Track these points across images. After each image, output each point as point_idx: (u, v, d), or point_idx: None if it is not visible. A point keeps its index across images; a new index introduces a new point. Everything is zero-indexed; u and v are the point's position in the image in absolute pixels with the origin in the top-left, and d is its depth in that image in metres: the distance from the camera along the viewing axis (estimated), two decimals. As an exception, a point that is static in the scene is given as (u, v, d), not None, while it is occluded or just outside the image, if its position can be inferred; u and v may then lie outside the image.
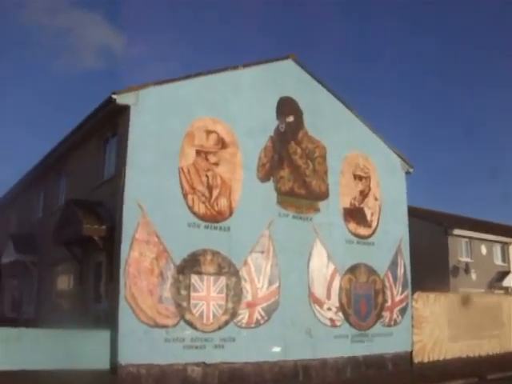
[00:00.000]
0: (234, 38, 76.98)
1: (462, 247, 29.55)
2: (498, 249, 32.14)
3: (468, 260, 29.72)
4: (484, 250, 30.70)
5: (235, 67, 16.44)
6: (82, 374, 12.71)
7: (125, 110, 14.41)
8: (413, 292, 19.35)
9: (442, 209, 33.12)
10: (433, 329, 19.50)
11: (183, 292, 14.24)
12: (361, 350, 17.39)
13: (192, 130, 15.17)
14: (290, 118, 17.24)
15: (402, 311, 18.85)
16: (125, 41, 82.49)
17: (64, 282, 17.81)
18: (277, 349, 15.62)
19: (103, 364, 13.24)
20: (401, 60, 77.46)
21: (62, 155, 18.53)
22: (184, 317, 14.11)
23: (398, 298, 18.76)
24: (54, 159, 19.02)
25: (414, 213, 27.61)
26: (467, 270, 28.73)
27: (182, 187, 14.74)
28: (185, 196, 14.74)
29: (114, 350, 13.21)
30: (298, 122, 17.40)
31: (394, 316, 18.56)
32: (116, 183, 14.46)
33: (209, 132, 15.47)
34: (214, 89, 15.84)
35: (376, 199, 18.87)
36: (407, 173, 20.12)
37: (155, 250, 14.02)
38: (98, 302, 15.13)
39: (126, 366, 13.09)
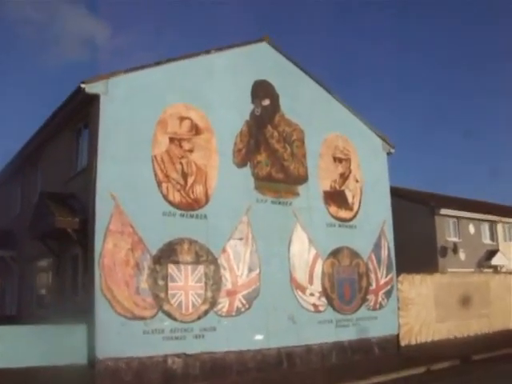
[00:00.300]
0: (223, 23, 76.12)
1: (449, 227, 29.38)
2: (486, 228, 32.00)
3: (456, 240, 29.57)
4: (472, 229, 30.56)
5: (208, 51, 16.13)
6: (60, 369, 12.58)
7: (95, 99, 14.09)
8: (398, 274, 19.18)
9: (429, 189, 32.98)
10: (419, 311, 19.40)
11: (160, 282, 14.01)
12: (346, 334, 17.25)
13: (164, 117, 14.88)
14: (266, 102, 16.95)
15: (388, 294, 18.70)
16: (109, 31, 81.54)
17: (43, 277, 17.58)
18: (259, 337, 15.43)
19: (81, 359, 13.08)
20: (385, 38, 76.59)
21: (38, 148, 18.23)
22: (162, 307, 13.89)
23: (382, 281, 18.60)
24: (30, 152, 18.73)
25: (400, 194, 27.59)
26: (455, 250, 28.59)
27: (156, 176, 14.47)
28: (159, 184, 14.47)
29: (91, 344, 13.03)
30: (275, 106, 17.12)
31: (379, 299, 18.40)
32: (88, 174, 14.20)
33: (182, 118, 15.18)
34: (187, 74, 15.55)
35: (357, 181, 18.65)
36: (389, 153, 19.94)
37: (130, 240, 13.77)
38: (75, 296, 14.90)
39: (104, 359, 12.86)
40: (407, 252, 24.26)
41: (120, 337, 13.17)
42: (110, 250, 13.49)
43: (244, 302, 15.32)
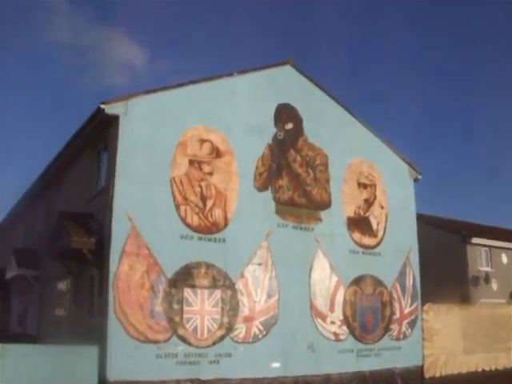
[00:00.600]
0: (250, 45, 76.51)
1: (481, 256, 28.51)
2: (519, 257, 30.96)
3: (488, 269, 28.64)
4: (505, 258, 29.56)
5: (230, 74, 16.12)
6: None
7: (114, 120, 14.16)
8: (424, 303, 18.60)
9: (461, 217, 32.20)
10: (445, 341, 18.71)
11: (175, 306, 13.86)
12: (367, 364, 16.73)
13: (185, 139, 14.86)
14: (289, 125, 16.80)
15: (412, 324, 18.13)
16: (147, 56, 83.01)
17: (62, 297, 17.59)
18: (276, 364, 15.08)
19: (92, 381, 12.94)
20: (404, 65, 75.47)
21: (60, 168, 18.44)
22: (176, 332, 13.72)
23: (407, 310, 18.06)
24: (53, 172, 18.89)
25: (430, 221, 27.04)
26: (487, 280, 27.68)
27: (174, 198, 14.40)
28: (177, 207, 14.40)
29: (102, 366, 12.90)
30: (298, 129, 16.95)
31: (403, 329, 17.85)
32: (106, 195, 14.21)
33: (202, 141, 15.13)
34: (208, 97, 15.53)
35: (382, 207, 18.25)
36: (415, 180, 19.49)
37: (146, 262, 13.68)
38: (91, 317, 14.82)
39: (114, 382, 12.70)
40: (438, 281, 23.75)
41: (132, 360, 13.02)
42: (125, 271, 13.42)
43: (261, 328, 15.02)
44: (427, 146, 74.66)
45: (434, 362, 18.21)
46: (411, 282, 18.37)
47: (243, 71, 16.39)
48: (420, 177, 19.47)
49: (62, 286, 17.45)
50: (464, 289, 25.66)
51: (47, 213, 20.28)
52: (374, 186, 18.24)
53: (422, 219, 25.56)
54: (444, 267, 25.27)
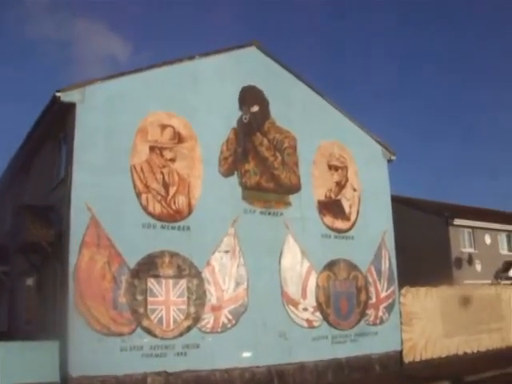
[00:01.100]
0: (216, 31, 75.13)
1: (464, 237, 28.17)
2: (503, 238, 30.57)
3: (471, 251, 28.31)
4: (488, 239, 29.24)
5: (192, 57, 15.71)
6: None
7: (71, 107, 13.71)
8: (402, 287, 18.28)
9: (443, 199, 31.82)
10: (424, 325, 18.42)
11: (139, 297, 13.49)
12: (343, 351, 16.42)
13: (145, 125, 14.45)
14: (255, 108, 16.40)
15: (389, 308, 17.85)
16: (129, 48, 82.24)
17: (29, 292, 17.14)
18: (247, 354, 14.75)
19: (54, 377, 12.59)
20: (385, 42, 74.16)
21: (26, 160, 17.96)
22: (141, 323, 13.35)
23: (383, 294, 17.76)
24: (19, 164, 18.44)
25: (411, 203, 26.74)
26: (471, 262, 27.34)
27: (135, 186, 14.00)
28: (138, 195, 13.99)
29: (63, 362, 12.53)
30: (264, 112, 16.55)
31: (380, 313, 17.55)
32: (65, 185, 13.78)
33: (163, 126, 14.73)
34: (169, 81, 15.10)
35: (355, 190, 17.91)
36: (389, 161, 19.16)
37: (107, 253, 13.29)
38: (54, 311, 14.39)
39: (77, 377, 12.33)
40: (421, 264, 23.47)
41: (95, 354, 12.66)
42: (85, 263, 13.02)
43: (230, 317, 14.67)
44: (405, 125, 73.91)
45: (413, 346, 17.90)
46: (387, 266, 18.06)
47: (205, 54, 15.94)
48: (394, 158, 19.12)
49: (29, 281, 17.00)
50: (447, 271, 25.32)
51: (15, 206, 19.80)
52: (345, 168, 17.87)
53: (402, 201, 25.49)
54: (426, 249, 24.95)
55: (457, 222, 26.88)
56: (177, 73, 15.28)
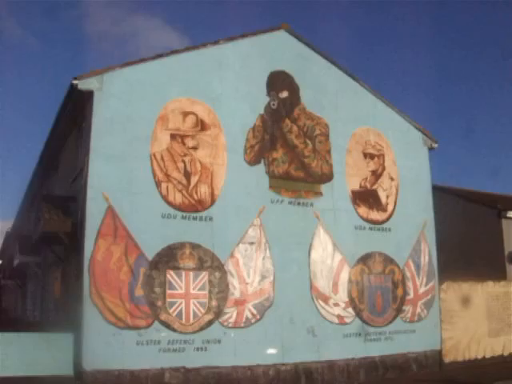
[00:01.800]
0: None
1: (518, 231, 26.21)
2: (561, 232, 28.29)
3: (527, 245, 26.28)
4: (545, 233, 27.14)
5: (216, 42, 14.88)
6: (45, 380, 11.76)
7: (89, 96, 13.19)
8: (441, 282, 16.93)
9: (495, 190, 29.69)
10: (467, 323, 16.97)
11: (157, 290, 12.87)
12: (377, 349, 15.32)
13: (165, 112, 13.78)
14: (284, 94, 15.45)
15: (428, 304, 16.57)
16: (186, 41, 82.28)
17: (55, 283, 16.91)
18: (272, 351, 13.90)
19: (67, 370, 12.20)
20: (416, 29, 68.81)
21: (54, 152, 17.72)
22: (159, 317, 12.74)
23: (422, 290, 16.49)
24: (48, 156, 18.22)
25: (461, 195, 24.99)
26: (526, 257, 25.41)
27: (155, 175, 13.37)
28: (158, 184, 13.34)
29: (77, 355, 12.09)
30: (294, 98, 15.59)
31: (418, 310, 16.31)
32: (82, 175, 13.31)
33: (186, 114, 14.01)
34: (192, 67, 14.40)
35: (392, 179, 16.68)
36: (430, 149, 17.80)
37: (124, 244, 12.73)
38: (72, 303, 13.98)
39: (91, 371, 11.84)
40: (471, 259, 21.88)
41: (110, 347, 12.14)
42: (101, 254, 12.50)
43: (255, 312, 13.85)
44: (450, 113, 69.54)
45: (454, 345, 16.53)
46: (426, 260, 16.77)
47: (231, 38, 15.10)
48: (435, 145, 17.76)
49: (56, 272, 16.74)
50: (500, 266, 23.49)
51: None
52: (382, 156, 16.67)
53: (450, 192, 23.91)
54: (477, 243, 23.23)
55: (510, 214, 24.99)
56: (200, 58, 14.53)
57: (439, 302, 16.70)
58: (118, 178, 12.96)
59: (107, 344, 12.11)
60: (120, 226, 12.75)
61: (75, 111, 14.43)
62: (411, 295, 16.24)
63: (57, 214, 13.34)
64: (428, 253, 16.84)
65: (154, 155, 13.43)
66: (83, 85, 13.05)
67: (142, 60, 13.94)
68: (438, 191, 19.08)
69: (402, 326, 15.90)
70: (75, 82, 12.96)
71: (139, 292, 12.67)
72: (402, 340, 15.74)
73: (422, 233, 16.84)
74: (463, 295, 17.10)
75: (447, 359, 16.29)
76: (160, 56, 14.13)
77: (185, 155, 13.80)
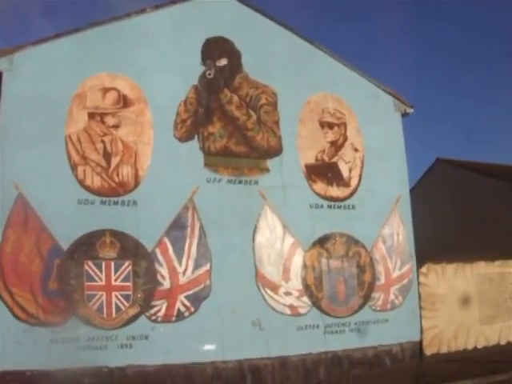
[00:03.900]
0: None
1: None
2: None
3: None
4: None
5: (142, 11, 14.71)
6: None
7: (-1, 77, 13.41)
8: (420, 265, 16.15)
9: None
10: (453, 310, 16.13)
11: (74, 282, 12.80)
12: (340, 343, 14.75)
13: (83, 90, 13.75)
14: (223, 62, 15.17)
15: (404, 290, 15.88)
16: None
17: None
18: (210, 346, 13.62)
19: (-25, 371, 12.32)
20: None
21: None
22: (76, 312, 12.68)
23: (395, 274, 15.82)
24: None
25: (475, 168, 23.92)
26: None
27: (70, 158, 13.35)
28: (73, 168, 13.34)
29: (-16, 354, 12.24)
30: (234, 65, 15.27)
31: (391, 297, 15.66)
32: (-6, 164, 13.49)
33: (106, 90, 13.96)
34: (113, 41, 14.27)
35: (356, 150, 16.10)
36: (404, 114, 17.09)
37: (35, 234, 12.75)
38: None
39: (1, 372, 11.87)
40: (488, 236, 20.95)
41: (21, 346, 12.14)
42: (11, 246, 12.55)
43: (188, 304, 13.61)
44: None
45: (437, 335, 15.75)
46: (401, 239, 16.07)
47: (159, 5, 14.94)
48: (410, 110, 17.03)
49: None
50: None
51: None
52: (343, 124, 16.11)
53: (463, 166, 22.96)
54: (496, 220, 22.08)
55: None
56: (124, 30, 14.38)
57: (418, 287, 15.95)
58: (30, 164, 12.95)
59: (17, 342, 12.12)
60: (31, 215, 12.79)
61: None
62: (382, 280, 15.61)
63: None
64: (403, 231, 16.14)
65: (70, 137, 13.43)
66: (-9, 65, 13.25)
67: (57, 36, 13.91)
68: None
69: (372, 316, 15.28)
70: (-21, 63, 13.17)
71: (53, 285, 12.64)
72: (372, 331, 15.13)
73: (394, 209, 16.16)
74: (447, 279, 16.24)
75: (429, 351, 15.55)
76: (77, 30, 14.07)
77: (104, 135, 13.75)
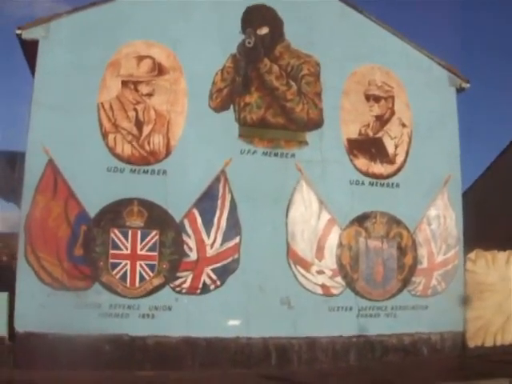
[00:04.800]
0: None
1: None
2: None
3: None
4: None
5: (180, -22, 14.79)
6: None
7: (35, 45, 13.82)
8: (468, 250, 15.41)
9: None
10: (503, 300, 15.28)
11: (99, 249, 13.23)
12: (374, 327, 14.40)
13: (118, 57, 14.06)
14: (264, 30, 14.99)
15: (448, 276, 15.24)
16: None
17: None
18: (235, 322, 13.65)
19: (1, 330, 12.84)
20: None
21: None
22: (99, 278, 13.10)
23: (439, 259, 15.21)
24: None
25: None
26: None
27: (102, 126, 13.72)
28: (104, 136, 13.70)
29: (11, 316, 12.76)
30: (276, 34, 15.06)
31: (433, 282, 15.09)
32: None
33: (141, 58, 14.19)
34: (151, 8, 14.42)
35: (404, 125, 15.52)
36: (460, 89, 16.29)
37: (63, 200, 13.25)
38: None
39: (24, 333, 12.51)
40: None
41: (45, 309, 12.71)
42: (39, 211, 13.13)
43: (214, 277, 13.70)
44: None
45: (483, 327, 15.04)
46: (449, 222, 15.42)
47: (201, -28, 14.95)
48: (467, 85, 16.19)
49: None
50: None
51: None
52: (390, 98, 15.56)
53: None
54: None
55: None
56: (160, -2, 14.58)
57: (464, 274, 15.25)
58: (61, 130, 13.46)
59: (42, 306, 12.68)
60: (61, 181, 13.26)
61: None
62: (424, 264, 15.06)
63: (3, 170, 14.21)
64: (450, 214, 15.47)
65: (102, 104, 13.77)
66: (28, 34, 13.66)
67: (93, 4, 14.26)
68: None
69: (410, 301, 14.80)
70: (19, 31, 13.62)
71: (79, 251, 13.11)
72: (410, 317, 14.68)
73: (442, 190, 15.49)
74: (498, 267, 15.42)
75: (472, 343, 14.89)
76: (113, -1, 14.40)
77: (137, 103, 13.98)
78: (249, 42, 14.80)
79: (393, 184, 15.19)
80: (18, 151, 15.37)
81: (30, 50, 14.04)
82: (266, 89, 14.76)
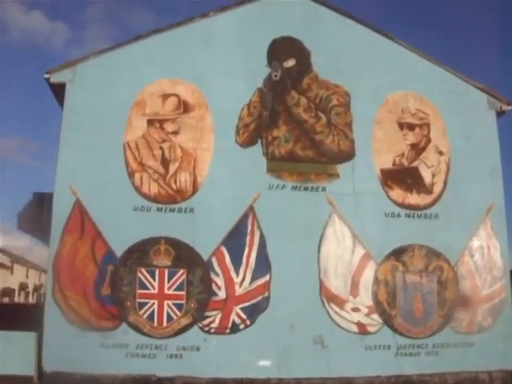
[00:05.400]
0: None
1: None
2: None
3: None
4: None
5: (205, 15, 15.11)
6: (5, 379, 12.84)
7: (62, 88, 14.39)
8: (516, 282, 14.75)
9: None
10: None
11: (126, 289, 13.38)
12: (414, 366, 13.83)
13: (143, 97, 14.44)
14: (290, 63, 15.06)
15: (494, 311, 14.53)
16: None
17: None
18: (265, 363, 13.40)
19: (30, 370, 13.10)
20: None
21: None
22: (127, 319, 13.21)
23: (485, 292, 14.54)
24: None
25: None
26: None
27: (128, 165, 14.03)
28: (131, 175, 13.98)
29: (40, 355, 13.04)
30: (303, 66, 15.11)
31: (479, 318, 14.40)
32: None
33: (166, 96, 14.52)
34: (175, 46, 14.85)
35: (441, 153, 15.09)
36: (500, 113, 15.81)
37: (91, 240, 13.53)
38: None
39: (51, 373, 12.75)
40: None
41: (72, 349, 12.92)
42: (67, 251, 13.47)
43: (244, 316, 13.57)
44: None
45: (537, 366, 14.15)
46: (492, 254, 14.76)
47: (223, 8, 15.22)
48: (508, 108, 15.68)
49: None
50: None
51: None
52: (426, 125, 15.22)
53: None
54: None
55: None
56: (185, 34, 14.90)
57: (512, 308, 14.56)
58: (88, 170, 13.85)
59: (69, 345, 12.89)
60: (87, 220, 13.58)
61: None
62: (467, 299, 14.37)
63: (35, 210, 14.66)
64: (495, 244, 14.84)
65: (128, 144, 14.11)
66: (55, 78, 14.29)
67: (119, 45, 14.79)
68: None
69: (454, 338, 14.17)
70: (46, 75, 14.25)
71: (106, 291, 13.30)
72: (453, 356, 14.02)
73: (485, 219, 14.92)
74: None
75: (525, 383, 14.03)
76: (139, 38, 14.83)
77: (163, 141, 14.23)
78: (275, 75, 14.88)
79: (431, 215, 14.76)
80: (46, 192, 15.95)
81: (58, 92, 14.62)
82: (295, 122, 14.75)
